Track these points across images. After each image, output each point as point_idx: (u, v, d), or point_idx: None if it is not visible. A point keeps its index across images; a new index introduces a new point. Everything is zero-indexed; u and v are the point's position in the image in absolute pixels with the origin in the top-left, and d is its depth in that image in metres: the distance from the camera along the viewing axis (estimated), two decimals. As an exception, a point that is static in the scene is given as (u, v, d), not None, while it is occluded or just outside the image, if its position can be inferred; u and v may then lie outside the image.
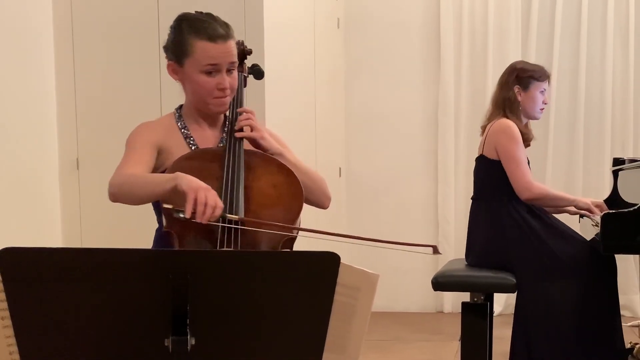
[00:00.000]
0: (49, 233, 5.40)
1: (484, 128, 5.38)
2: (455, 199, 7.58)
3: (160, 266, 2.03)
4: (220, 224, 2.84)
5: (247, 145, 3.19)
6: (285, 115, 5.83)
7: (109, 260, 2.01)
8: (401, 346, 6.48)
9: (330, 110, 7.23)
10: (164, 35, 3.26)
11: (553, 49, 7.45)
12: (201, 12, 3.22)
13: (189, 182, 2.81)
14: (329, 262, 2.10)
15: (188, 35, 3.14)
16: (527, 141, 5.28)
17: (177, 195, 2.83)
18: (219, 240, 2.90)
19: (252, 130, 3.18)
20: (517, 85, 5.27)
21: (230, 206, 2.96)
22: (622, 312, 5.31)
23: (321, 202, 3.38)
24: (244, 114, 3.21)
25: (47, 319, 2.01)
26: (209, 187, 2.82)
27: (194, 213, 2.74)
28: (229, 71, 3.16)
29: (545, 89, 5.35)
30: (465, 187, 7.49)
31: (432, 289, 5.14)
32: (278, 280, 2.10)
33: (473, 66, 7.59)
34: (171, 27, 3.23)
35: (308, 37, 6.55)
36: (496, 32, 7.52)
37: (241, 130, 3.17)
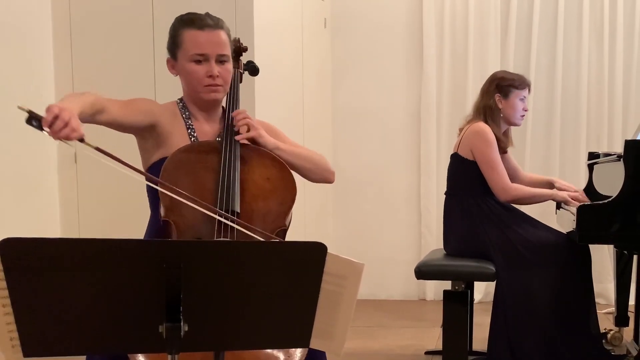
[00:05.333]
0: (48, 224, 5.39)
1: (461, 130, 5.40)
2: (437, 191, 7.58)
3: (154, 256, 2.03)
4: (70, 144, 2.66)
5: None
6: (275, 111, 5.82)
7: (105, 250, 2.01)
8: (385, 332, 6.49)
9: (318, 106, 7.22)
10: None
11: (531, 48, 7.46)
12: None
13: (62, 101, 2.72)
14: (316, 252, 2.10)
15: (179, 29, 3.20)
16: (503, 149, 5.30)
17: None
18: (215, 231, 2.89)
19: (249, 130, 3.18)
20: (498, 94, 5.30)
21: (227, 198, 2.96)
22: (596, 300, 5.32)
23: (326, 178, 3.40)
24: (240, 114, 3.20)
25: (46, 306, 2.01)
26: (76, 113, 2.66)
27: (51, 127, 2.57)
28: (220, 62, 3.18)
29: (525, 97, 5.38)
30: (446, 180, 7.50)
31: (415, 278, 5.15)
32: (268, 269, 2.10)
33: (454, 65, 7.59)
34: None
35: (296, 37, 6.54)
36: (476, 32, 7.52)
37: (239, 133, 3.16)
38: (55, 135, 2.58)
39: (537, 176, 5.87)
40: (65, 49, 5.50)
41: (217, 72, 3.15)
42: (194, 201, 2.77)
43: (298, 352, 2.80)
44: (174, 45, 3.22)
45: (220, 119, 3.31)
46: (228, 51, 3.21)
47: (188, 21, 3.20)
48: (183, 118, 3.26)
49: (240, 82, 3.39)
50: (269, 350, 2.78)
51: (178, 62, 3.22)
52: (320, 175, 3.36)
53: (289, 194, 3.12)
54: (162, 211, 3.00)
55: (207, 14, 3.22)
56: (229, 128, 3.17)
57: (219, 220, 2.89)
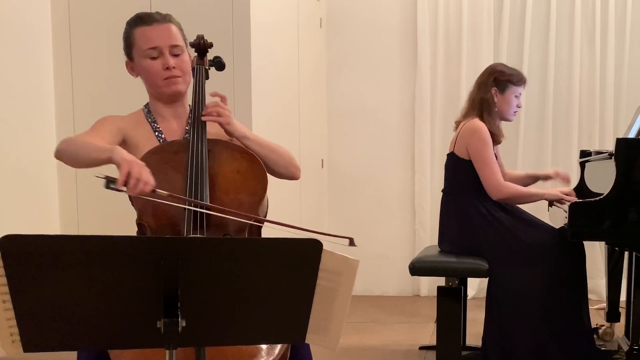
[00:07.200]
0: (48, 221, 5.40)
1: (457, 124, 5.37)
2: (431, 189, 7.59)
3: (152, 252, 2.03)
4: (157, 200, 2.81)
5: (211, 134, 3.19)
6: (271, 109, 5.83)
7: (104, 246, 2.01)
8: (380, 328, 6.49)
9: (313, 105, 7.23)
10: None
11: (523, 47, 7.46)
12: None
13: (122, 155, 2.79)
14: (312, 249, 2.10)
15: (130, 30, 3.25)
16: (497, 141, 5.28)
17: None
18: (185, 229, 2.90)
19: (218, 115, 3.17)
20: (495, 88, 5.25)
21: (195, 194, 2.96)
22: (588, 296, 5.32)
23: (291, 173, 3.33)
24: (215, 99, 3.20)
25: (46, 302, 2.01)
26: (144, 163, 2.79)
27: (125, 185, 2.71)
28: (175, 55, 3.20)
29: (520, 93, 5.34)
30: (440, 177, 7.46)
31: (409, 274, 5.15)
32: (264, 265, 2.10)
33: (447, 64, 7.60)
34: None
35: (292, 36, 6.55)
36: (470, 31, 7.52)
37: (208, 115, 3.16)
38: (133, 192, 2.73)
39: (520, 173, 5.87)
40: (64, 49, 5.50)
41: (172, 63, 3.17)
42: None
43: (279, 345, 2.80)
44: (128, 46, 3.25)
45: (187, 117, 3.30)
46: (181, 42, 3.23)
47: (137, 20, 3.24)
48: (149, 122, 3.27)
49: (207, 78, 3.36)
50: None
51: (135, 62, 3.25)
52: (285, 169, 3.29)
53: (260, 184, 3.10)
54: (136, 215, 3.02)
55: (156, 12, 3.26)
56: (195, 123, 3.15)
57: (188, 217, 2.90)
